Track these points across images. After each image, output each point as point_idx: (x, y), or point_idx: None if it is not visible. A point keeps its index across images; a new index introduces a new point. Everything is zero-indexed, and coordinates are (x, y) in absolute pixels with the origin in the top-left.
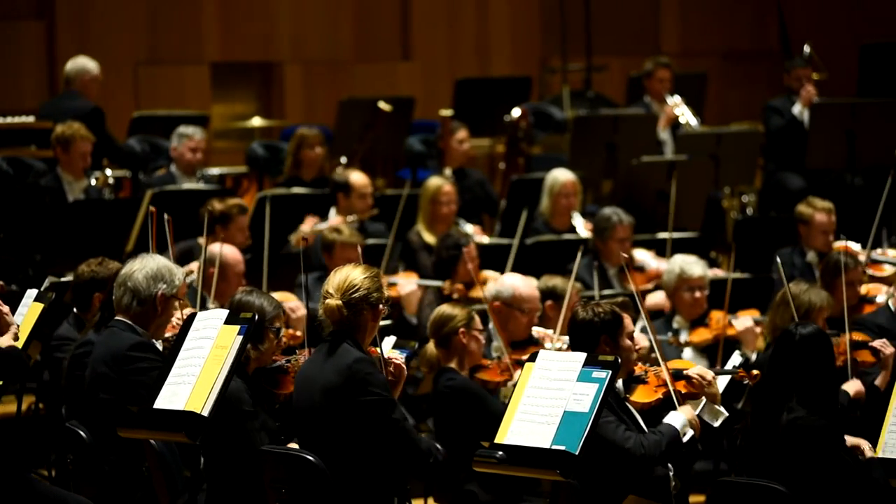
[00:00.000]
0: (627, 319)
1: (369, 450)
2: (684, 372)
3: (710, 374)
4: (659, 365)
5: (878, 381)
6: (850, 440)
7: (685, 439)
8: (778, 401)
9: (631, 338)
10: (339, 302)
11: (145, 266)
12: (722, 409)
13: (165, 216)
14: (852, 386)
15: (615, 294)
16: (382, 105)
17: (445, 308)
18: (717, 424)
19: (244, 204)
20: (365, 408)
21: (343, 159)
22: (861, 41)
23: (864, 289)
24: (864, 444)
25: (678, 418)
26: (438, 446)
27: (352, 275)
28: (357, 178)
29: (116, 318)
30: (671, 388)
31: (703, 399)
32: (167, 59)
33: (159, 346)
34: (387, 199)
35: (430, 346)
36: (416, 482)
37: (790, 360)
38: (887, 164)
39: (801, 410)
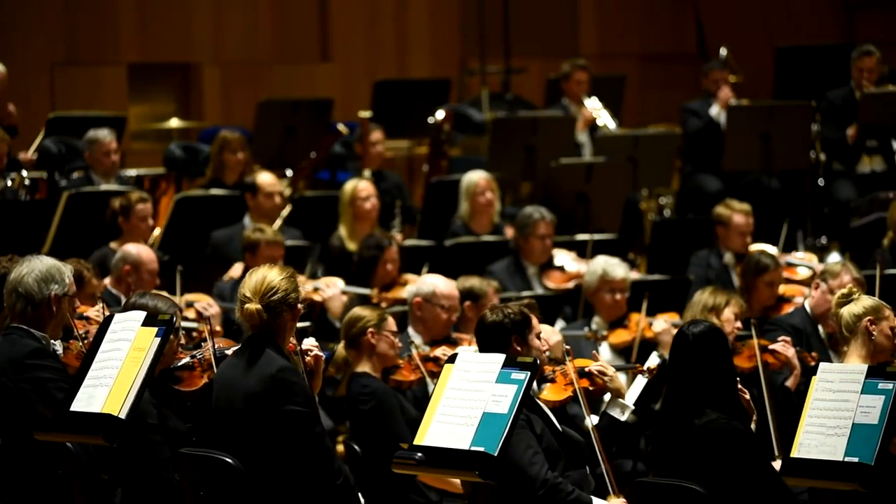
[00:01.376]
0: (535, 319)
1: (289, 458)
2: (586, 369)
3: (610, 370)
4: (565, 364)
5: (788, 383)
6: None
7: None
8: (685, 401)
9: (539, 337)
10: (259, 306)
11: (34, 269)
12: (627, 402)
13: None
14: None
15: (531, 295)
16: (341, 127)
17: (357, 309)
18: (623, 418)
19: (144, 195)
20: (287, 418)
21: (289, 172)
22: (777, 44)
23: (782, 290)
24: None
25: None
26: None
27: (269, 276)
28: (264, 178)
29: (13, 324)
30: (576, 386)
31: (608, 394)
32: (84, 60)
33: (59, 347)
34: (306, 200)
35: (340, 348)
36: None
37: (687, 359)
38: (803, 167)
39: (713, 413)
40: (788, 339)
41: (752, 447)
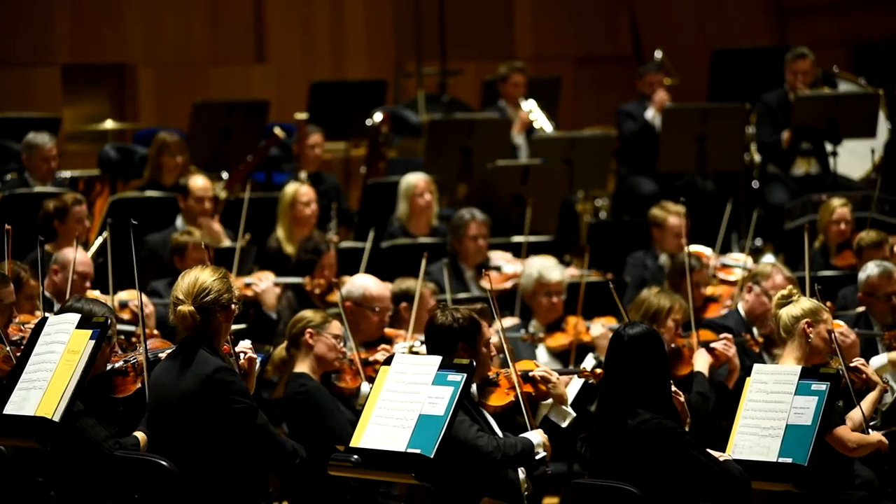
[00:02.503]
0: (486, 326)
1: (230, 457)
2: (529, 374)
3: (554, 376)
4: (509, 367)
5: (726, 381)
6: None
7: (537, 458)
8: (619, 403)
9: (488, 345)
10: (191, 308)
11: None
12: (569, 409)
13: (6, 226)
14: (702, 361)
15: (472, 298)
16: (278, 131)
17: (305, 311)
18: (564, 425)
19: (79, 196)
20: (230, 417)
21: (224, 175)
22: (712, 47)
23: (710, 290)
24: None
25: (536, 437)
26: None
27: (201, 277)
28: (195, 181)
29: None
30: (519, 392)
31: (550, 400)
32: (17, 61)
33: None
34: (240, 202)
35: (280, 348)
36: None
37: (623, 361)
38: (737, 170)
39: (645, 414)
40: (730, 337)
41: (684, 444)
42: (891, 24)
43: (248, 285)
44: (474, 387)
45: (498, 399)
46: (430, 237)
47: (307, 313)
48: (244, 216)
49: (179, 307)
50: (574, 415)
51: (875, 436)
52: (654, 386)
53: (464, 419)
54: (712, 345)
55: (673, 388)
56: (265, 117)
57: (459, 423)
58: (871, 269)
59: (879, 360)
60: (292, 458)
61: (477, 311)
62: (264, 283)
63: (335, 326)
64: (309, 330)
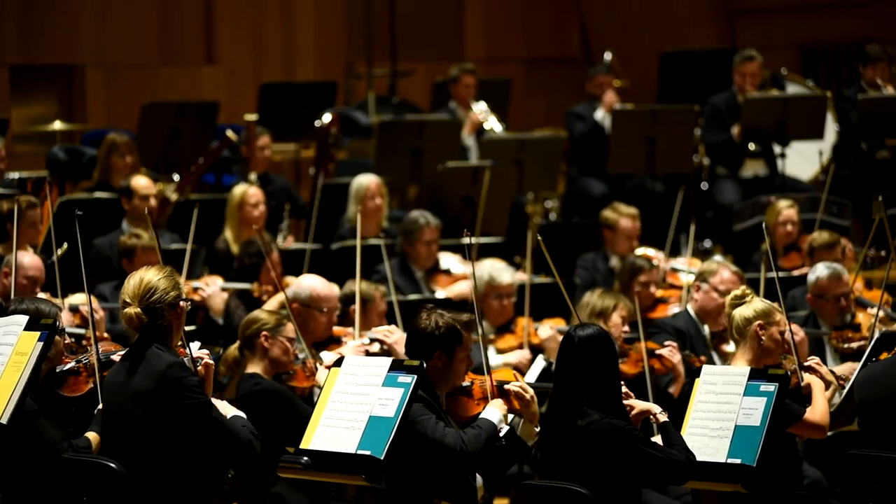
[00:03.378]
0: (467, 337)
1: (185, 454)
2: (505, 386)
3: (531, 392)
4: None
5: (671, 389)
6: (637, 405)
7: (502, 434)
8: (569, 404)
9: (467, 358)
10: (138, 309)
11: None
12: (537, 429)
13: None
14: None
15: (424, 300)
16: (230, 134)
17: (257, 312)
18: (529, 443)
19: (33, 199)
20: (183, 412)
21: (175, 176)
22: (661, 49)
23: (660, 292)
24: (655, 409)
25: (494, 413)
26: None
27: (146, 278)
28: (137, 181)
29: None
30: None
31: (521, 418)
32: None
33: None
34: (190, 203)
35: (232, 348)
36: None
37: (573, 362)
38: (687, 171)
39: (595, 414)
40: (675, 344)
41: (634, 440)
42: (839, 26)
43: (196, 289)
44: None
45: (468, 409)
46: (380, 239)
47: (261, 315)
48: (195, 218)
49: (126, 309)
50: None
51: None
52: (605, 386)
53: (430, 416)
54: (658, 352)
55: (624, 389)
56: (215, 118)
57: (426, 420)
58: (820, 270)
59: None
60: (249, 449)
61: (462, 322)
62: (211, 287)
63: (289, 329)
64: (264, 333)
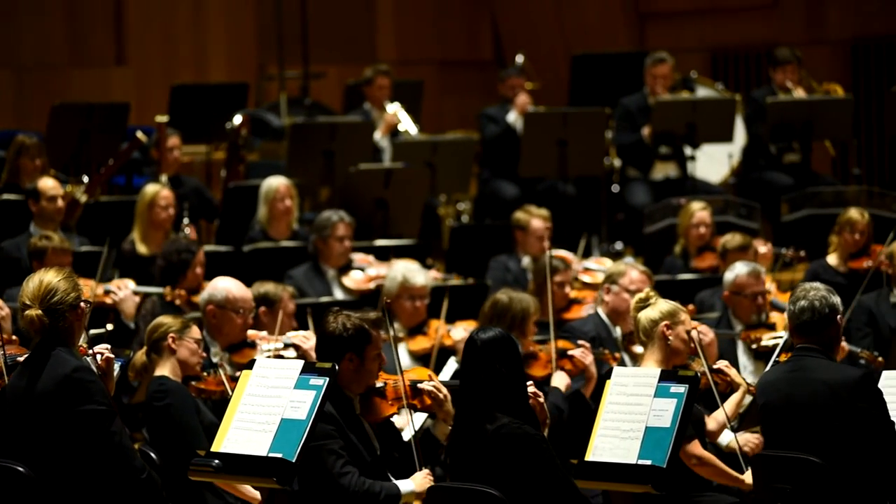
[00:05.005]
0: (377, 336)
1: (87, 457)
2: (419, 385)
3: (444, 391)
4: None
5: (583, 390)
6: None
7: None
8: (477, 407)
9: (378, 357)
10: (39, 311)
11: None
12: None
13: None
14: (560, 380)
15: (336, 301)
16: (140, 135)
17: (163, 317)
18: (445, 442)
19: None
20: (84, 417)
21: (84, 178)
22: (572, 51)
23: (574, 293)
24: None
25: (406, 486)
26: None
27: (46, 279)
28: (44, 183)
29: None
30: (406, 403)
31: (433, 418)
32: None
33: None
34: (101, 205)
35: (140, 353)
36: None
37: (477, 365)
38: (598, 173)
39: (504, 418)
40: (588, 345)
41: (542, 451)
42: (748, 30)
43: (107, 293)
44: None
45: (382, 410)
46: (290, 241)
47: (167, 319)
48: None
49: (27, 312)
50: None
51: (746, 476)
52: (511, 389)
53: (332, 448)
54: (570, 353)
55: (532, 390)
56: (125, 120)
57: (328, 452)
58: (739, 268)
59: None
60: (138, 473)
61: (371, 321)
62: (123, 291)
63: (196, 331)
64: (172, 335)
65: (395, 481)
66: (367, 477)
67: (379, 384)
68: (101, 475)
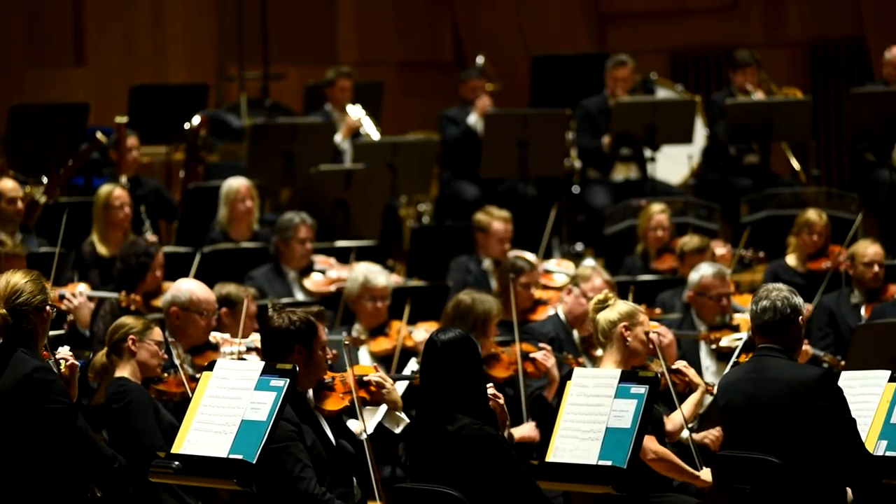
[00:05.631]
0: (322, 329)
1: (48, 460)
2: (364, 378)
3: (389, 382)
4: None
5: (545, 393)
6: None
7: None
8: (437, 408)
9: (324, 349)
10: (3, 310)
11: None
12: (403, 415)
13: None
14: (521, 431)
15: (300, 303)
16: (100, 136)
17: (125, 318)
18: (397, 431)
19: None
20: (48, 415)
21: (44, 179)
22: (533, 53)
23: (539, 294)
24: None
25: None
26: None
27: (12, 280)
28: (4, 183)
29: None
30: (354, 396)
31: (384, 406)
32: None
33: None
34: (59, 206)
35: (100, 355)
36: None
37: (437, 366)
38: (558, 175)
39: (465, 419)
40: (549, 348)
41: (503, 452)
42: (708, 31)
43: (62, 298)
44: (311, 392)
45: (333, 403)
46: (251, 242)
47: (128, 320)
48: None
49: None
50: (407, 420)
51: (702, 473)
52: (471, 390)
53: (293, 451)
54: (532, 355)
55: (492, 391)
56: (85, 121)
57: (288, 455)
58: (704, 269)
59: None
60: (110, 462)
61: (314, 313)
62: (78, 299)
63: (157, 333)
64: (132, 336)
65: None
66: (325, 471)
67: (327, 380)
68: (69, 470)
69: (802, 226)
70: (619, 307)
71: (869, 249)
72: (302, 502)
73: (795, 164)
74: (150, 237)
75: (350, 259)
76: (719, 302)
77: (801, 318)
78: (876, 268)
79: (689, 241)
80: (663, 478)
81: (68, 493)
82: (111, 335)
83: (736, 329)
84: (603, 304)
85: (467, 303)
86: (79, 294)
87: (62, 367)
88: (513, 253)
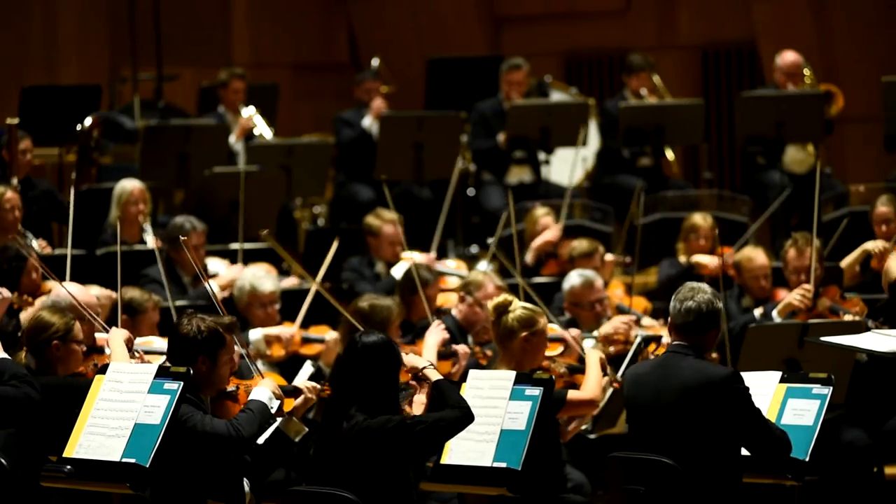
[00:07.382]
0: (230, 340)
1: None
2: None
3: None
4: (251, 378)
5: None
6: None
7: (273, 410)
8: (341, 408)
9: (231, 360)
10: None
11: None
12: (303, 424)
13: None
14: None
15: (191, 305)
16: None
17: (45, 314)
18: (296, 440)
19: None
20: None
21: None
22: (428, 55)
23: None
24: (421, 363)
25: (263, 392)
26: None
27: None
28: None
29: None
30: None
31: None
32: None
33: None
34: None
35: (21, 355)
36: None
37: (354, 367)
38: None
39: (359, 416)
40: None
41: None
42: (601, 34)
43: None
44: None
45: (234, 413)
46: (142, 244)
47: (51, 318)
48: None
49: None
50: (307, 430)
51: (592, 370)
52: (379, 393)
53: (194, 413)
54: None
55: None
56: None
57: (194, 415)
58: (573, 278)
59: None
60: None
61: (225, 325)
62: None
63: (78, 330)
64: (55, 342)
65: (250, 397)
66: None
67: (231, 388)
68: None
69: (689, 230)
70: (519, 312)
71: (755, 263)
72: (235, 439)
73: (670, 155)
74: (41, 242)
75: (237, 260)
76: (593, 309)
77: (719, 325)
78: (762, 281)
79: (579, 245)
80: (557, 479)
81: None
82: (34, 335)
83: None
84: (503, 308)
85: (365, 310)
86: None
87: None
88: (406, 255)
